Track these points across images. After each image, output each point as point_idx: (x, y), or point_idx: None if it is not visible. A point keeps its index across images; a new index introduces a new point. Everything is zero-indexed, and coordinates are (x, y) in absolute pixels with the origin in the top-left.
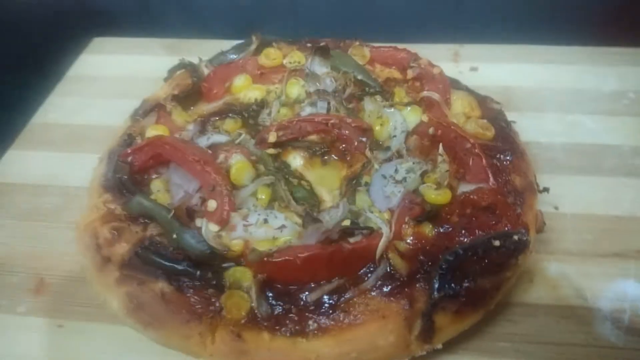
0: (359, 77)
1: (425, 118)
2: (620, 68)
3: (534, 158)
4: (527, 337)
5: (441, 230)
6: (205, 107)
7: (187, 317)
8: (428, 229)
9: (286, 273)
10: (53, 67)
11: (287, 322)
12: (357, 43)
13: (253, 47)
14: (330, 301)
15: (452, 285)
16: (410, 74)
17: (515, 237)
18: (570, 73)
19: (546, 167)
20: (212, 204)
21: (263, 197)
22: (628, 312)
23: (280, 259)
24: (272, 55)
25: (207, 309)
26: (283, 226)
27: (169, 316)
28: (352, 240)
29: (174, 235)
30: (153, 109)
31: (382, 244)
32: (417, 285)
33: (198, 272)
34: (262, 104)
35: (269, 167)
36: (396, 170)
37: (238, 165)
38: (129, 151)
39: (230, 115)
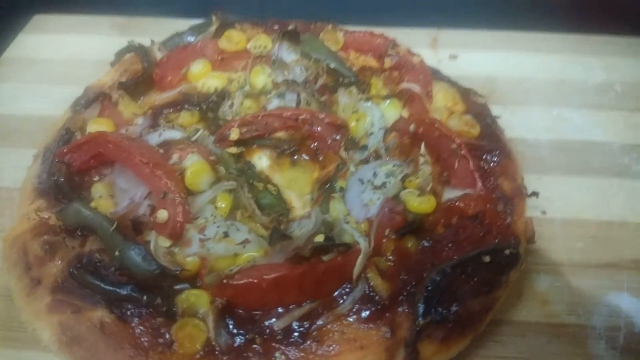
0: (332, 65)
1: (405, 113)
2: (607, 58)
3: (520, 156)
4: (516, 358)
5: (425, 245)
6: (157, 97)
7: (131, 352)
8: (411, 243)
9: (249, 297)
10: None
11: (250, 354)
12: (330, 27)
13: (213, 28)
14: (301, 329)
15: (439, 309)
16: (388, 62)
17: (507, 252)
18: (555, 62)
19: (533, 167)
20: (162, 215)
21: (223, 205)
22: (623, 330)
23: (242, 281)
24: (234, 39)
25: (155, 342)
26: (246, 240)
27: (109, 352)
28: (325, 257)
29: (117, 253)
30: (97, 98)
31: (360, 261)
32: (400, 309)
33: (144, 297)
34: (222, 95)
35: (230, 170)
36: (375, 174)
37: (194, 167)
38: (66, 150)
39: (186, 107)
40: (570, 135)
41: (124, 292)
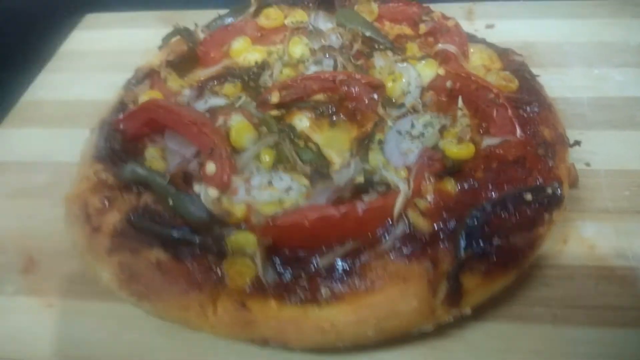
0: (367, 33)
1: (441, 71)
2: None
3: (562, 113)
4: (565, 301)
5: (465, 187)
6: (201, 73)
7: (186, 286)
8: (450, 185)
9: (294, 237)
10: (44, 45)
11: (297, 289)
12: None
13: (252, 9)
14: (344, 266)
15: (481, 243)
16: (422, 28)
17: (549, 191)
18: (592, 27)
19: (574, 123)
20: (210, 167)
21: (267, 159)
22: None
23: (287, 222)
24: (272, 16)
25: (207, 277)
26: (289, 188)
27: (165, 286)
28: (365, 198)
29: (170, 202)
30: (147, 76)
31: (400, 201)
32: (441, 245)
33: (197, 239)
34: (262, 66)
35: (272, 129)
36: (412, 126)
37: (238, 126)
38: (121, 118)
39: (229, 79)
40: (612, 93)
41: (178, 234)
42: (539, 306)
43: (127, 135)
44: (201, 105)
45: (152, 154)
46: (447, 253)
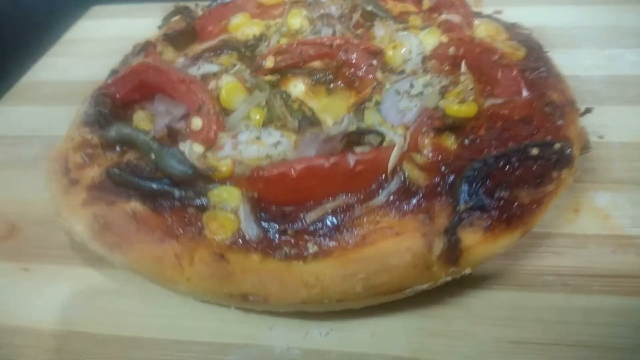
0: (369, 8)
1: (444, 38)
2: None
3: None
4: (577, 269)
5: (466, 143)
6: (199, 47)
7: (161, 236)
8: (450, 141)
9: (280, 190)
10: (50, 33)
11: (282, 244)
12: None
13: None
14: (334, 221)
15: (481, 194)
16: (426, 3)
17: (557, 146)
18: (603, 12)
19: (586, 99)
20: (197, 122)
21: (257, 117)
22: None
23: (272, 173)
24: None
25: (186, 228)
26: (278, 143)
27: (139, 236)
28: (358, 149)
29: (153, 156)
30: (142, 49)
31: (395, 154)
32: (439, 199)
33: (177, 191)
34: (260, 38)
35: (263, 88)
36: (411, 85)
37: (228, 86)
38: (110, 82)
39: (225, 51)
40: (624, 71)
41: (158, 186)
42: (548, 275)
43: (117, 100)
44: (194, 71)
45: (140, 116)
46: (445, 207)
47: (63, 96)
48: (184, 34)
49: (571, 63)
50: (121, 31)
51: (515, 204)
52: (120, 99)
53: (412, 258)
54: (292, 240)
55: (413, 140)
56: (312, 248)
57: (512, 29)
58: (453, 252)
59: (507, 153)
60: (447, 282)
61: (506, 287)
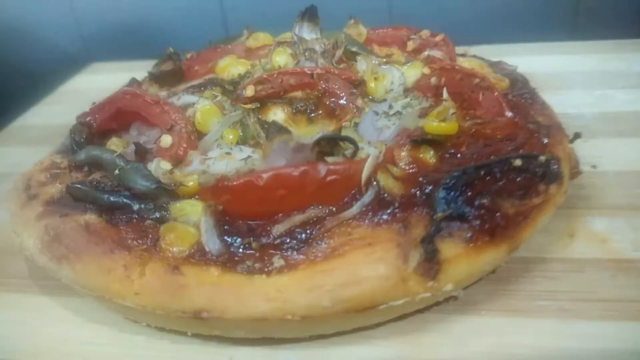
0: (353, 49)
1: (426, 70)
2: None
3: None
4: (574, 294)
5: (446, 157)
6: (184, 86)
7: (112, 247)
8: (429, 155)
9: (248, 201)
10: (49, 85)
11: (245, 258)
12: (352, 21)
13: (243, 38)
14: (302, 235)
15: (460, 202)
16: (410, 45)
17: (542, 159)
18: (593, 60)
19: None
20: (166, 139)
21: (231, 137)
22: None
23: (238, 182)
24: (261, 39)
25: (139, 240)
26: (249, 157)
27: (89, 247)
28: (330, 159)
29: (117, 171)
30: (127, 85)
31: (369, 162)
32: (416, 210)
33: (136, 205)
34: (245, 76)
35: (237, 109)
36: (390, 107)
37: (204, 109)
38: (88, 111)
39: (209, 88)
40: (616, 108)
41: (116, 199)
42: (543, 300)
43: (94, 129)
44: (174, 102)
45: (113, 142)
46: (423, 218)
47: (50, 138)
48: (170, 74)
49: (561, 102)
50: (117, 84)
51: (498, 214)
52: (97, 128)
53: (385, 270)
54: (257, 254)
55: (389, 152)
56: (277, 262)
57: (496, 65)
58: (431, 265)
59: (489, 163)
60: (429, 307)
61: (496, 312)
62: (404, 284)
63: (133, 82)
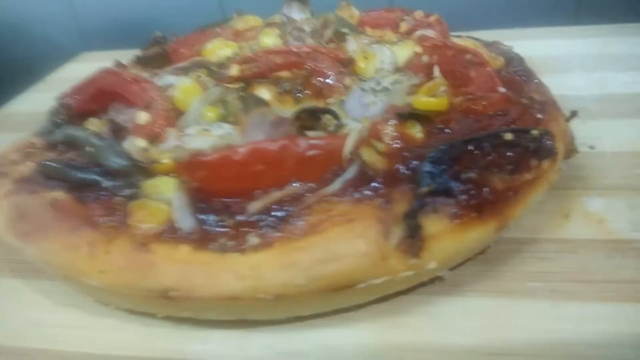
0: (344, 30)
1: (418, 48)
2: None
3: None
4: (568, 275)
5: (434, 132)
6: (169, 68)
7: (78, 224)
8: (416, 130)
9: (224, 178)
10: (38, 74)
11: (219, 237)
12: (344, 3)
13: (233, 22)
14: (280, 213)
15: (446, 175)
16: (403, 26)
17: (535, 132)
18: (593, 44)
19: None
20: (142, 116)
21: (211, 115)
22: None
23: (214, 157)
24: (250, 21)
25: (107, 216)
26: (228, 133)
27: (54, 224)
28: (311, 134)
29: (88, 148)
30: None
31: (352, 137)
32: (400, 186)
33: (106, 181)
34: (233, 58)
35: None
36: (378, 83)
37: (184, 87)
38: (68, 92)
39: (194, 69)
40: (615, 90)
41: (85, 175)
42: (533, 281)
43: (73, 111)
44: (155, 82)
45: (92, 122)
46: (407, 194)
47: (34, 124)
48: (156, 58)
49: (559, 84)
50: None
51: (486, 189)
52: (76, 109)
53: (365, 246)
54: (232, 232)
55: (374, 127)
56: (253, 240)
57: (491, 45)
58: (413, 241)
59: (478, 137)
60: (413, 288)
61: (484, 293)
62: (385, 262)
63: (118, 65)
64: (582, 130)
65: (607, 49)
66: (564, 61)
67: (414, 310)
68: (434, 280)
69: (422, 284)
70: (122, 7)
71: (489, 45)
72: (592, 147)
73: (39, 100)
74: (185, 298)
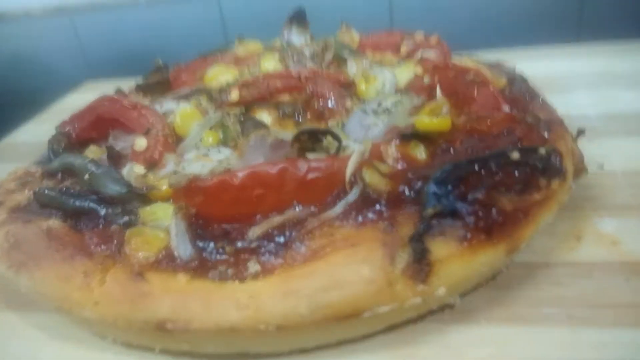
0: (344, 53)
1: (419, 70)
2: None
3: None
4: (584, 300)
5: (438, 153)
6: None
7: (73, 253)
8: (419, 151)
9: (222, 203)
10: (43, 103)
11: (218, 264)
12: (344, 27)
13: (234, 49)
14: (281, 238)
15: (453, 196)
16: (404, 49)
17: (542, 151)
18: (597, 63)
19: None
20: (141, 143)
21: (210, 140)
22: None
23: (212, 182)
24: (251, 47)
25: (103, 246)
26: (227, 158)
27: (49, 253)
28: (311, 156)
29: (86, 176)
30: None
31: (354, 159)
32: (404, 208)
33: (103, 209)
34: (233, 83)
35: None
36: (379, 104)
37: (183, 112)
38: (68, 119)
39: (195, 96)
40: (621, 108)
41: (82, 203)
42: (549, 307)
43: (73, 139)
44: (156, 109)
45: (91, 150)
46: (412, 216)
47: (37, 154)
48: (157, 85)
49: (564, 104)
50: None
51: (495, 210)
52: (76, 137)
53: (369, 272)
54: (231, 259)
55: (376, 148)
56: (253, 267)
57: (494, 66)
58: (421, 266)
59: (484, 157)
60: (423, 317)
61: (497, 321)
62: (391, 288)
63: (118, 92)
64: (590, 150)
65: (611, 67)
66: (568, 80)
67: (425, 339)
68: (444, 307)
69: (432, 312)
70: (127, 35)
71: (491, 66)
72: (601, 167)
73: (41, 131)
74: (182, 330)
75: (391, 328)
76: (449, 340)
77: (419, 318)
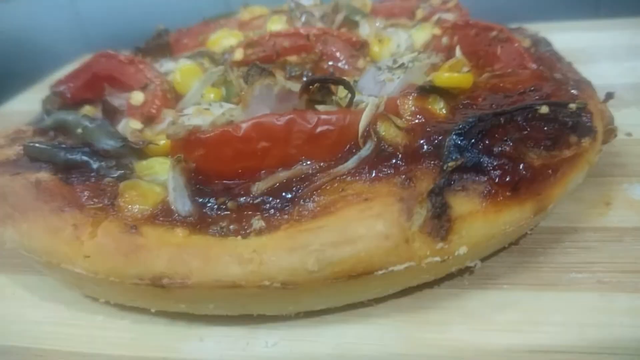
0: (355, 18)
1: (437, 31)
2: None
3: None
4: (614, 265)
5: (459, 108)
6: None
7: (62, 204)
8: (439, 106)
9: (224, 157)
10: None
11: (219, 219)
12: None
13: (239, 15)
14: (287, 194)
15: (476, 149)
16: (419, 13)
17: (573, 106)
18: (619, 35)
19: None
20: (137, 97)
21: (212, 96)
22: None
23: (214, 134)
24: (256, 11)
25: (95, 198)
26: (229, 110)
27: (36, 204)
28: (321, 108)
29: (79, 130)
30: None
31: (368, 111)
32: (422, 162)
33: (96, 162)
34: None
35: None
36: (395, 62)
37: (184, 68)
38: (63, 79)
39: (197, 58)
40: None
41: (73, 156)
42: (577, 272)
43: (68, 99)
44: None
45: (87, 110)
46: (431, 171)
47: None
48: (157, 48)
49: (588, 74)
50: None
51: (522, 165)
52: (71, 97)
53: (384, 227)
54: (233, 215)
55: (391, 102)
56: (257, 223)
57: (515, 30)
58: (440, 222)
59: (510, 110)
60: (440, 281)
61: (521, 286)
62: (408, 245)
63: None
64: (617, 118)
65: (635, 39)
66: (591, 52)
67: (442, 305)
68: (463, 272)
69: (450, 276)
70: (126, 10)
71: (513, 30)
72: (629, 134)
73: (36, 100)
74: (179, 286)
75: (406, 292)
76: (469, 306)
77: (436, 282)
